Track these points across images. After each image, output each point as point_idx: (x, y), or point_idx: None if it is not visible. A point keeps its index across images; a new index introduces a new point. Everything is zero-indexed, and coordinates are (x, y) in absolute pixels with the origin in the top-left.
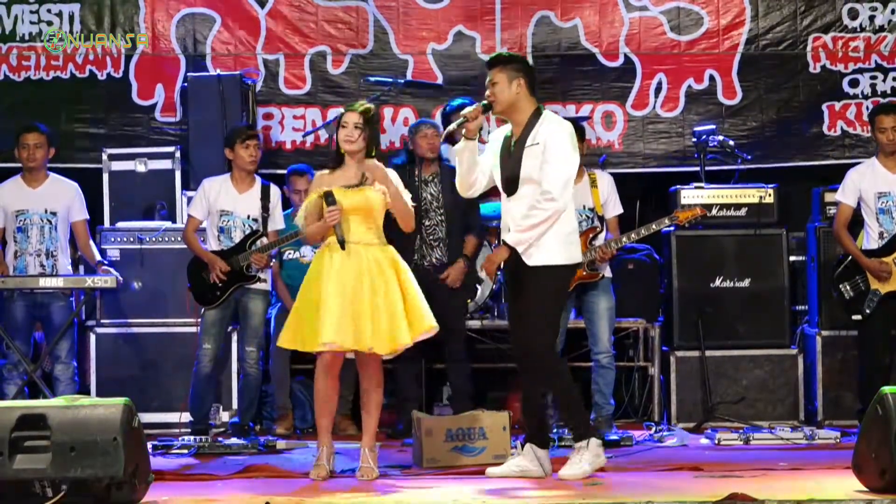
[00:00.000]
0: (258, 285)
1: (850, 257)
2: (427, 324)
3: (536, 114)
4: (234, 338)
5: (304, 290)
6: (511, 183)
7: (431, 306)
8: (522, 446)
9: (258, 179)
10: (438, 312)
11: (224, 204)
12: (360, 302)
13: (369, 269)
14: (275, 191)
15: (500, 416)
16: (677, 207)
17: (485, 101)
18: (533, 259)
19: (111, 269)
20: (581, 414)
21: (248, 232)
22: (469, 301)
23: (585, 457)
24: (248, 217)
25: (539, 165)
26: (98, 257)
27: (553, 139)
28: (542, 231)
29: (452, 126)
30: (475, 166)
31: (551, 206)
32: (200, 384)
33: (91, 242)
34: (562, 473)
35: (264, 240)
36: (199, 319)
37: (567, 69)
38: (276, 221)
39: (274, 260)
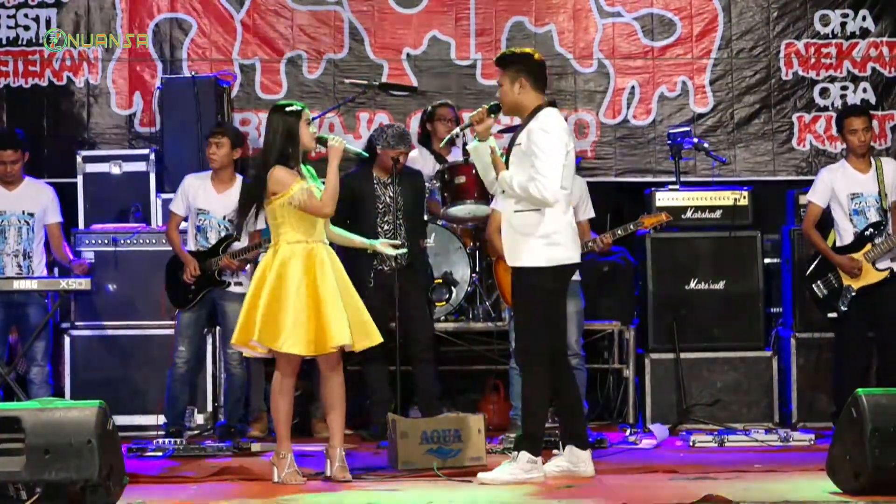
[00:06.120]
0: (234, 288)
1: (822, 256)
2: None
3: (533, 113)
4: (209, 341)
5: (277, 286)
6: None
7: (393, 308)
8: (563, 447)
9: (238, 178)
10: (401, 315)
11: (201, 202)
12: (354, 297)
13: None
14: None
15: (476, 419)
16: (652, 209)
17: (493, 103)
18: (513, 260)
19: (85, 262)
20: (530, 427)
21: (222, 233)
22: (441, 302)
23: (509, 467)
24: (224, 218)
25: (522, 168)
26: (70, 256)
27: (532, 139)
28: (515, 192)
29: (456, 131)
30: (492, 167)
31: (536, 196)
32: (175, 386)
33: (65, 244)
34: (480, 475)
35: (236, 244)
36: (175, 321)
37: None
38: (256, 221)
39: (249, 264)
